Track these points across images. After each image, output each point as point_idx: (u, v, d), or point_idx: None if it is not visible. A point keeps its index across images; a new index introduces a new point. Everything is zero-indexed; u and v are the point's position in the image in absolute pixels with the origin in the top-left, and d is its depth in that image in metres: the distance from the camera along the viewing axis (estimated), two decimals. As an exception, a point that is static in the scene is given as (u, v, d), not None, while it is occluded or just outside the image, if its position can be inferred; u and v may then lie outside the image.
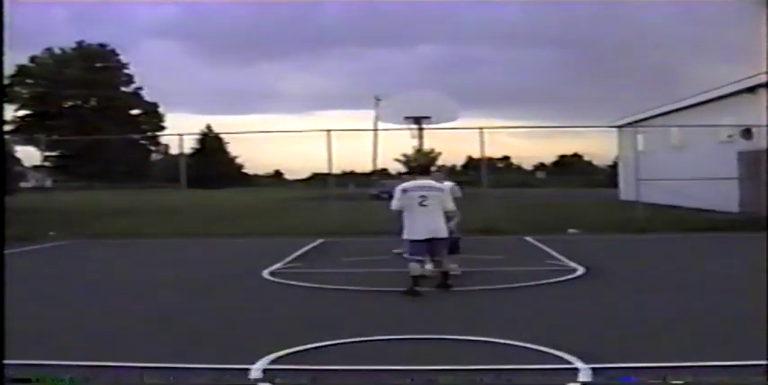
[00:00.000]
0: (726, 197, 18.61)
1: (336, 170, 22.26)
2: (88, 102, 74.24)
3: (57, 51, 73.60)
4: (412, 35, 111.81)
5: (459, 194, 9.26)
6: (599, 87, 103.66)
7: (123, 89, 76.46)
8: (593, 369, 4.76)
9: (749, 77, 19.39)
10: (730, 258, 11.58)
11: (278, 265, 10.97)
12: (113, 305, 7.95)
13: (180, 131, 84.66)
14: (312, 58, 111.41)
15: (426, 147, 19.46)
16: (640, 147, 20.93)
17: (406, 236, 8.31)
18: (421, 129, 16.11)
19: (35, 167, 52.28)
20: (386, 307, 7.68)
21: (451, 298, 7.98)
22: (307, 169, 63.16)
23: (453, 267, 8.85)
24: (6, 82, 61.01)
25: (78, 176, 62.72)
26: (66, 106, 73.79)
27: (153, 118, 77.14)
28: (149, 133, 72.58)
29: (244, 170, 75.54)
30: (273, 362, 5.10)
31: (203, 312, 7.45)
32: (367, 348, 5.61)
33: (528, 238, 15.06)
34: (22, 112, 71.29)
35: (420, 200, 8.14)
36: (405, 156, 46.15)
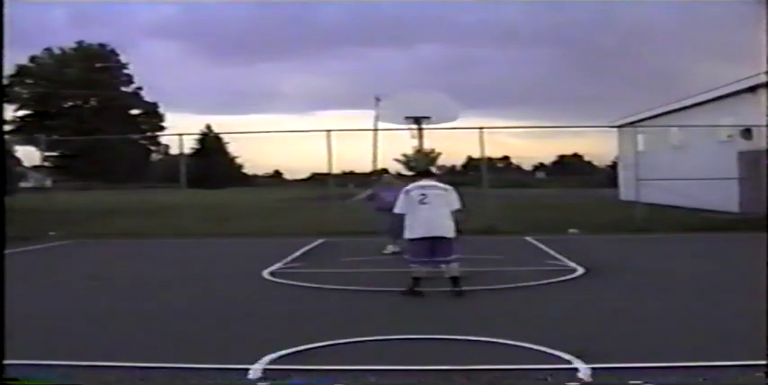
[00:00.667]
0: (726, 197, 18.61)
1: (336, 170, 22.21)
2: (88, 103, 74.11)
3: (56, 51, 73.44)
4: (412, 35, 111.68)
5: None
6: (599, 87, 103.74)
7: (123, 89, 76.32)
8: (593, 369, 4.77)
9: (749, 77, 19.36)
10: (730, 258, 11.59)
11: (278, 265, 10.97)
12: (113, 305, 7.96)
13: (180, 131, 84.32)
14: (312, 58, 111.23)
15: (426, 147, 19.50)
16: (640, 147, 20.89)
17: (406, 236, 8.31)
18: (421, 130, 16.14)
19: (35, 167, 52.14)
20: (386, 307, 7.69)
21: (451, 298, 7.97)
22: (307, 169, 63.06)
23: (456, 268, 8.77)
24: (6, 82, 60.89)
25: (78, 176, 62.59)
26: (65, 106, 73.64)
27: (153, 118, 77.02)
28: (149, 133, 72.45)
29: (244, 170, 75.46)
30: (273, 362, 5.11)
31: (203, 312, 7.46)
32: (367, 348, 5.62)
33: (528, 238, 15.07)
34: (21, 112, 71.21)
35: (420, 198, 8.11)
36: (405, 156, 46.28)
